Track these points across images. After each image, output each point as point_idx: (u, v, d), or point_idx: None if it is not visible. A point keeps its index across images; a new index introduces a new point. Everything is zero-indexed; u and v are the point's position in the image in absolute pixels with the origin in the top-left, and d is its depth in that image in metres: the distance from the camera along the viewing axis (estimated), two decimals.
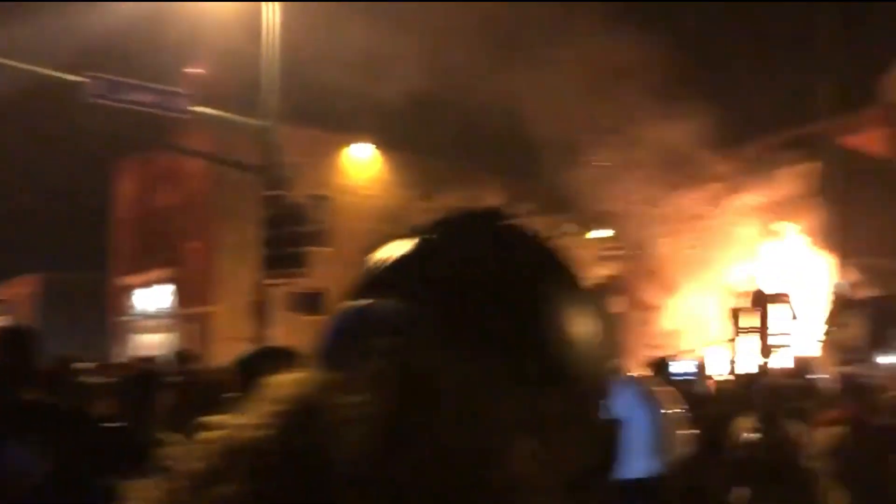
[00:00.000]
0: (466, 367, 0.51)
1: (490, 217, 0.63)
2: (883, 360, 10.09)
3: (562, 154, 15.63)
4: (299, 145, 15.35)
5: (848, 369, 6.74)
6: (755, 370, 10.92)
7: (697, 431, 7.86)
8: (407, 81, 14.24)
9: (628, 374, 5.93)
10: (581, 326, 0.61)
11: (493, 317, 0.57)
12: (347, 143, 21.30)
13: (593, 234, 17.39)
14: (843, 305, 12.95)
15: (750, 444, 6.36)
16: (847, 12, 16.87)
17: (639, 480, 4.99)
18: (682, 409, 5.36)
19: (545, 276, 0.61)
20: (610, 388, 0.64)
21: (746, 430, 6.38)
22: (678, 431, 5.21)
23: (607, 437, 0.64)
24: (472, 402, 0.50)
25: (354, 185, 21.41)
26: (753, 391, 7.18)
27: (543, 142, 15.57)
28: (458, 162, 16.30)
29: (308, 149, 17.38)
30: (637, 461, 5.01)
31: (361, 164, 21.70)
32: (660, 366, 6.81)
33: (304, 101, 15.38)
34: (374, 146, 20.48)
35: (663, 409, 5.09)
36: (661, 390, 5.45)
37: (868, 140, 23.19)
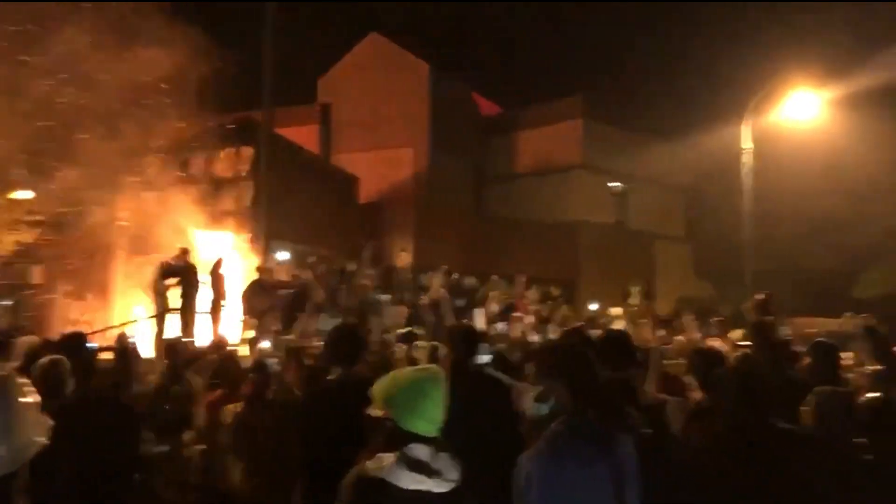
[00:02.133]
0: None
1: None
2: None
3: None
4: None
5: (259, 349, 7.02)
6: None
7: None
8: None
9: None
10: None
11: None
12: None
13: (12, 195, 15.47)
14: (259, 287, 13.66)
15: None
16: (290, 13, 17.88)
17: None
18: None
19: None
20: None
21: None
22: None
23: None
24: None
25: None
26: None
27: None
28: None
29: None
30: None
31: None
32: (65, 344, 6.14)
33: None
34: None
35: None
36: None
37: (301, 133, 25.27)
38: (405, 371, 2.90)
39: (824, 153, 22.64)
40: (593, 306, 19.21)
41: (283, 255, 17.43)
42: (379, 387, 2.79)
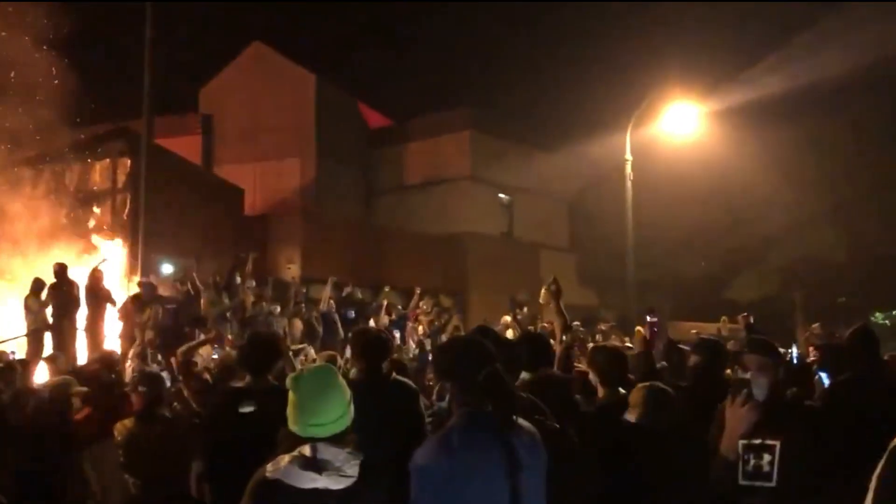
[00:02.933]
0: None
1: None
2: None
3: None
4: None
5: (139, 364, 6.73)
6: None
7: None
8: None
9: None
10: None
11: None
12: None
13: None
14: (139, 302, 13.03)
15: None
16: (171, 17, 17.34)
17: None
18: None
19: None
20: None
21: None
22: None
23: None
24: None
25: None
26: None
27: None
28: None
29: None
30: None
31: None
32: None
33: None
34: None
35: None
36: None
37: (182, 144, 24.47)
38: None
39: (699, 163, 23.74)
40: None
41: (165, 269, 16.82)
42: None
